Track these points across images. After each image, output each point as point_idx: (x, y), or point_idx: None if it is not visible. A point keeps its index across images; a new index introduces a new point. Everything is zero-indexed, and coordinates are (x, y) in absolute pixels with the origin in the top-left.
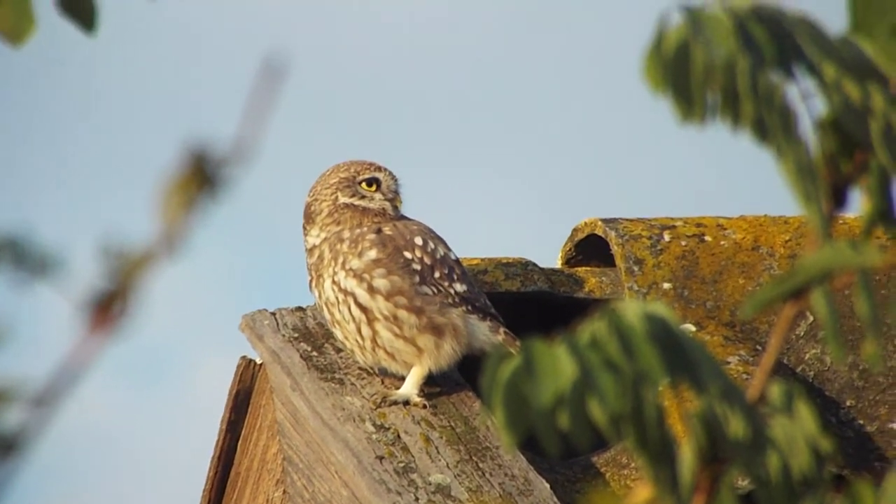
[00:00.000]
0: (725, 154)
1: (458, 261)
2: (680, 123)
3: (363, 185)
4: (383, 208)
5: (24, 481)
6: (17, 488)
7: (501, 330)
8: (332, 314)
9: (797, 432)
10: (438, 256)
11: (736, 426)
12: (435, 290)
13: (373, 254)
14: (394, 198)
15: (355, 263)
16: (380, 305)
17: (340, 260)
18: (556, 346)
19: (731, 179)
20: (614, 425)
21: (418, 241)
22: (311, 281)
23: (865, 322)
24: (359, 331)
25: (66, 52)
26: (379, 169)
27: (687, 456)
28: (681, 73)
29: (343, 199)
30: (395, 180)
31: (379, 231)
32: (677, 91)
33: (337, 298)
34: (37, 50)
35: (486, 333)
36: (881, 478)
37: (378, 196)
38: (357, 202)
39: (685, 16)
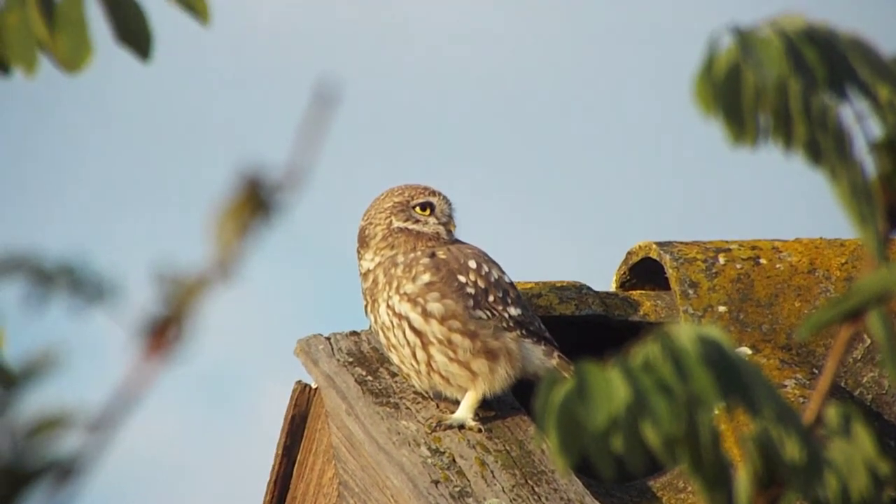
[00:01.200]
0: (781, 176)
1: (512, 284)
2: (731, 146)
3: (417, 209)
4: (437, 232)
5: None
6: None
7: (555, 354)
8: (387, 338)
9: (855, 455)
10: (492, 280)
11: (792, 449)
12: (489, 314)
13: (426, 277)
14: (447, 222)
15: (409, 287)
16: (434, 329)
17: (395, 284)
18: (610, 370)
19: (786, 202)
20: (668, 448)
21: (472, 264)
22: (366, 306)
23: None
24: (414, 355)
25: (120, 78)
26: (433, 193)
27: (743, 480)
28: (732, 96)
29: (397, 224)
30: (449, 204)
31: (433, 255)
32: (728, 113)
33: (392, 323)
34: (97, 73)
35: (541, 357)
36: None
37: (432, 220)
38: (411, 226)
39: (735, 38)
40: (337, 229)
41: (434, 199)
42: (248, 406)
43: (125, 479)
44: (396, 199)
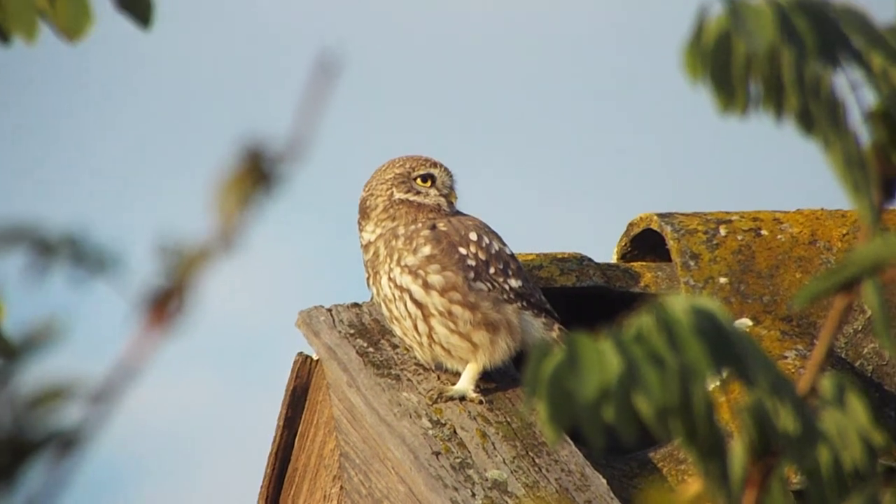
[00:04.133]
0: (782, 147)
1: (513, 256)
2: (720, 114)
3: (418, 180)
4: (438, 204)
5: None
6: (76, 484)
7: (556, 326)
8: (389, 310)
9: (849, 425)
10: (493, 252)
11: (786, 419)
12: (490, 286)
13: (427, 250)
14: (448, 193)
15: (410, 260)
16: (434, 301)
17: (396, 256)
18: (602, 341)
19: (787, 173)
20: (661, 419)
21: (473, 236)
22: (368, 278)
23: None
24: (415, 327)
25: (120, 47)
26: (434, 165)
27: (737, 450)
28: (721, 64)
29: (398, 195)
30: (451, 176)
31: (434, 227)
32: (717, 81)
33: (394, 295)
34: (98, 44)
35: (541, 330)
36: None
37: (433, 192)
38: (412, 198)
39: (725, 6)
40: (338, 200)
41: (435, 171)
42: (260, 376)
43: (136, 448)
44: (398, 171)
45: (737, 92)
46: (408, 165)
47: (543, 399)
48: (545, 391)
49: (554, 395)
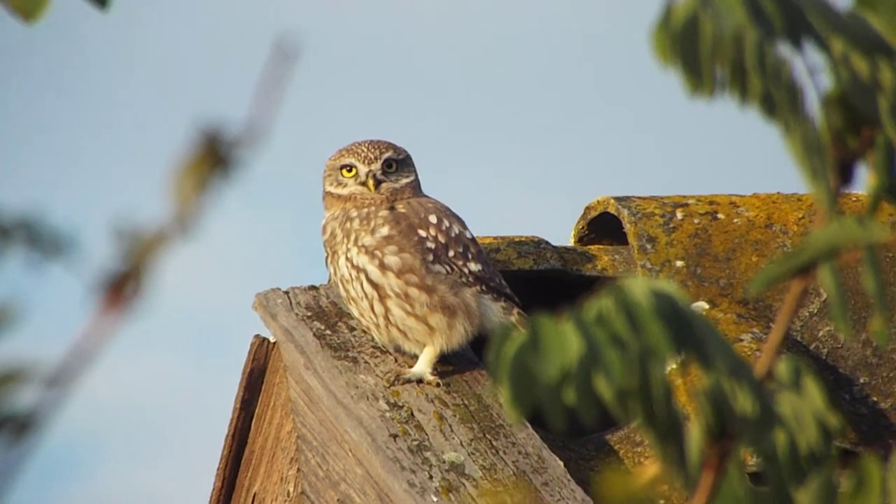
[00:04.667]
0: (738, 131)
1: (473, 240)
2: (689, 97)
3: (343, 171)
4: (353, 194)
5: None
6: (34, 466)
7: (515, 311)
8: (346, 291)
9: (805, 408)
10: (453, 235)
11: (743, 402)
12: (448, 269)
13: (385, 230)
14: (364, 181)
15: (367, 240)
16: (391, 282)
17: (353, 237)
18: (563, 323)
19: (744, 157)
20: (621, 402)
21: (433, 218)
22: (326, 258)
23: (873, 298)
24: (372, 308)
25: (77, 29)
26: (351, 152)
27: (695, 433)
28: (690, 46)
29: (328, 188)
30: (377, 160)
31: (392, 208)
32: (686, 64)
33: (350, 275)
34: (53, 26)
35: (500, 314)
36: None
37: (351, 181)
38: (335, 190)
39: None
40: (295, 184)
41: (352, 159)
42: (218, 358)
43: (94, 429)
44: (329, 163)
45: (705, 74)
46: (335, 156)
47: (506, 381)
48: (508, 373)
49: (516, 376)
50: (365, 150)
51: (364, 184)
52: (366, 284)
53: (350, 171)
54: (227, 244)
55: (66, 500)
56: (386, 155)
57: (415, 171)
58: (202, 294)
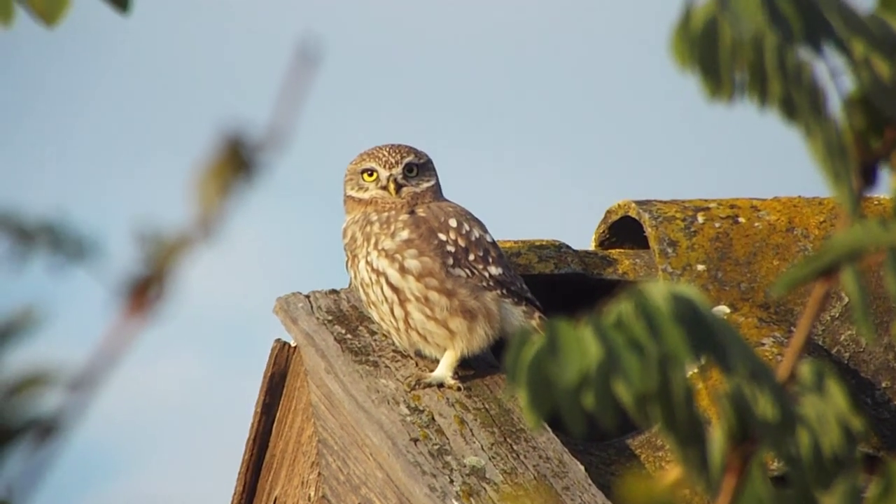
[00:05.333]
0: (760, 135)
1: (494, 243)
2: (708, 101)
3: (364, 175)
4: (375, 198)
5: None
6: (56, 469)
7: (536, 315)
8: (367, 295)
9: (828, 411)
10: (473, 238)
11: (765, 406)
12: (469, 273)
13: (405, 234)
14: (385, 185)
15: (388, 244)
16: (411, 286)
17: (373, 240)
18: (582, 327)
19: (765, 161)
20: (640, 406)
21: (452, 222)
22: (346, 261)
23: (894, 301)
24: (392, 312)
25: (100, 33)
26: (372, 156)
27: (717, 436)
28: (709, 50)
29: (349, 192)
30: (398, 164)
31: (412, 212)
32: (705, 68)
33: (370, 279)
34: (75, 30)
35: (521, 318)
36: None
37: (372, 185)
38: (356, 194)
39: None
40: (318, 187)
41: (373, 163)
42: (240, 362)
43: (118, 433)
44: (351, 167)
45: (723, 78)
46: (357, 160)
47: (524, 385)
48: (526, 377)
49: (534, 381)
50: (386, 154)
51: (385, 188)
52: (386, 288)
53: (371, 175)
54: (249, 248)
55: None
56: (407, 159)
57: (436, 175)
58: (224, 298)
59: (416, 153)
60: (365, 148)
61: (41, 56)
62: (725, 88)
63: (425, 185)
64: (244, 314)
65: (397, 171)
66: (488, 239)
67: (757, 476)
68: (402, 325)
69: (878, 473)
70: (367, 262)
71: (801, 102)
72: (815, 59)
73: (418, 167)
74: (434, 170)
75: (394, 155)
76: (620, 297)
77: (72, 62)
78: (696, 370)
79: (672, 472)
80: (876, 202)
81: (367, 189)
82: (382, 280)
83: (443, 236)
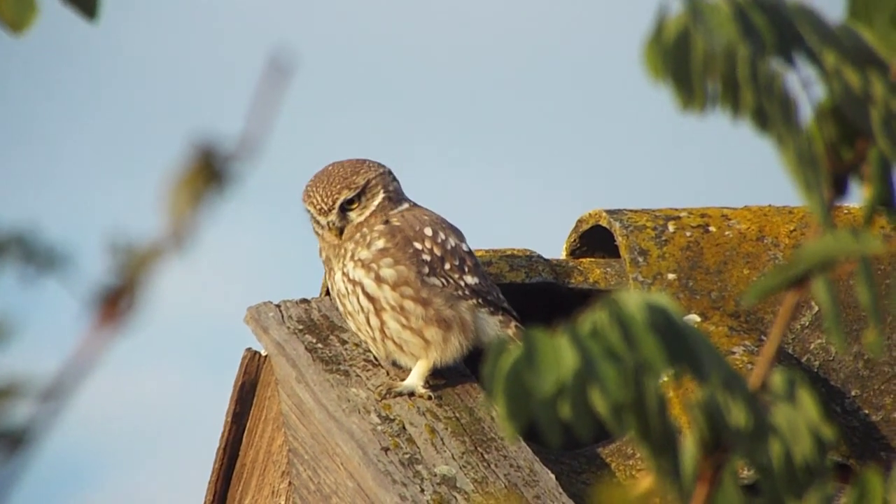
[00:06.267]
0: (730, 144)
1: (470, 252)
2: (681, 112)
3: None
4: (324, 236)
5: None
6: (28, 479)
7: (513, 324)
8: (343, 305)
9: (799, 420)
10: (449, 248)
11: (737, 414)
12: (444, 282)
13: (381, 243)
14: (321, 232)
15: (364, 253)
16: (386, 295)
17: (349, 253)
18: (558, 337)
19: (735, 170)
20: (616, 415)
21: (428, 231)
22: (326, 273)
23: (867, 310)
24: (368, 322)
25: (69, 42)
26: (308, 200)
27: (689, 445)
28: (681, 62)
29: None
30: (331, 210)
31: (387, 222)
32: (678, 79)
33: (346, 289)
34: (43, 40)
35: (496, 327)
36: (887, 467)
37: (317, 226)
38: (314, 226)
39: (685, 3)
40: (288, 199)
41: (310, 208)
42: (211, 371)
43: (88, 442)
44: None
45: (696, 89)
46: (302, 196)
47: (501, 395)
48: (503, 388)
49: (512, 391)
50: (319, 199)
51: (320, 235)
52: (362, 298)
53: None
54: (220, 258)
55: None
56: (340, 199)
57: (383, 187)
58: (195, 307)
59: (349, 185)
60: (330, 160)
61: (9, 66)
62: (698, 99)
63: (373, 205)
64: (216, 323)
65: (332, 217)
66: (464, 248)
67: (729, 484)
68: (377, 335)
69: (852, 482)
70: (343, 272)
71: (773, 113)
72: (786, 69)
73: (357, 195)
74: (380, 182)
75: (326, 200)
76: (595, 306)
77: (40, 73)
78: (666, 378)
79: (644, 480)
80: (846, 211)
81: (316, 228)
82: (358, 290)
83: (418, 245)
